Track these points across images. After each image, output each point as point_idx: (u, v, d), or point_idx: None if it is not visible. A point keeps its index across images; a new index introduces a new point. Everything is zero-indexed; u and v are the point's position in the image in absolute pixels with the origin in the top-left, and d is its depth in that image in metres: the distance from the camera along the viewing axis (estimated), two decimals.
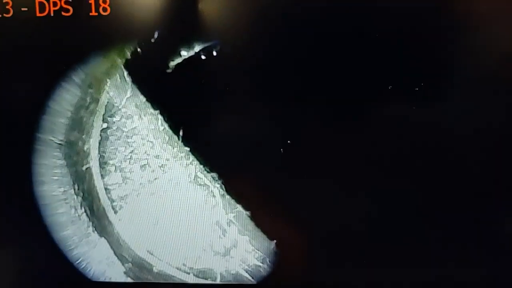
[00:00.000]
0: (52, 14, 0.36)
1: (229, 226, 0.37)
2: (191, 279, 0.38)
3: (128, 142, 0.38)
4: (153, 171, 0.38)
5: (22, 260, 0.40)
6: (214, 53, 0.35)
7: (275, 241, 0.37)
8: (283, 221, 0.37)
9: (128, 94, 0.37)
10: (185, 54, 0.36)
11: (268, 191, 0.37)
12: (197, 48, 0.36)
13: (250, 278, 0.38)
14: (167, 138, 0.37)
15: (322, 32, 0.35)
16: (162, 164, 0.38)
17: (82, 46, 0.36)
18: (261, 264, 0.37)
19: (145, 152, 0.38)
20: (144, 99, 0.37)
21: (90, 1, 0.36)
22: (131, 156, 0.38)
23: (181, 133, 0.37)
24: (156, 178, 0.38)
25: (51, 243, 0.38)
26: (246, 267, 0.38)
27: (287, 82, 0.35)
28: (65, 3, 0.36)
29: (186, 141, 0.37)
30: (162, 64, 0.36)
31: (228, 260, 0.38)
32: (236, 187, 0.37)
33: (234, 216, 0.37)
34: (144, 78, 0.37)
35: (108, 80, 0.37)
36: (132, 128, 0.38)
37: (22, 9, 0.36)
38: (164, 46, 0.36)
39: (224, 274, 0.38)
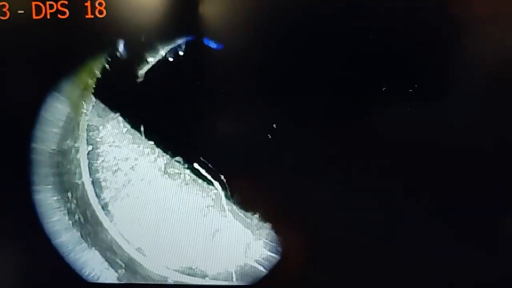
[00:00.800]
0: (48, 17, 0.36)
1: (209, 210, 0.37)
2: (182, 278, 0.38)
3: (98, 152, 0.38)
4: (126, 174, 0.38)
5: (21, 262, 0.40)
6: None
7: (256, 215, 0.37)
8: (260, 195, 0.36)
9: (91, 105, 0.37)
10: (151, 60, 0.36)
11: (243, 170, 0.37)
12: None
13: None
14: (131, 138, 0.37)
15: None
16: (132, 166, 0.37)
17: (78, 49, 0.36)
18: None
19: (114, 158, 0.38)
20: (103, 106, 0.37)
21: (86, 4, 0.36)
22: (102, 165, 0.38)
23: (142, 128, 0.37)
24: (129, 180, 0.38)
25: (49, 247, 0.38)
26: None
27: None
28: (62, 5, 0.36)
29: (148, 136, 0.37)
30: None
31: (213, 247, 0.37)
32: (206, 169, 0.37)
33: (212, 199, 0.37)
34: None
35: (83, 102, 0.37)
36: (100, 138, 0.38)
37: (19, 11, 0.36)
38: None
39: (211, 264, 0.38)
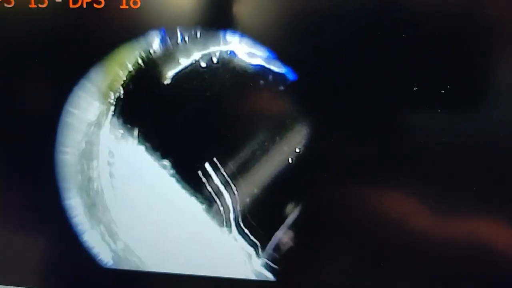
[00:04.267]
0: (84, 6, 0.37)
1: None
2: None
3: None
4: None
5: (42, 247, 0.41)
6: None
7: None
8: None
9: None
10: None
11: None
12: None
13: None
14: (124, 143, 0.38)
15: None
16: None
17: (111, 38, 0.37)
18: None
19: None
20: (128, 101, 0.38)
21: None
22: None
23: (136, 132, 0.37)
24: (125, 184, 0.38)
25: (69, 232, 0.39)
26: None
27: None
28: None
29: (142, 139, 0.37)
30: None
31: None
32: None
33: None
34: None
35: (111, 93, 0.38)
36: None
37: (56, 0, 0.37)
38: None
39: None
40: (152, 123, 0.37)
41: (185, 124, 0.37)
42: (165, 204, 0.38)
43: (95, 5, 0.36)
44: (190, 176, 0.37)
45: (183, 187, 0.37)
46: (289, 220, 0.36)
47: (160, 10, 0.36)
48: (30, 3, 0.37)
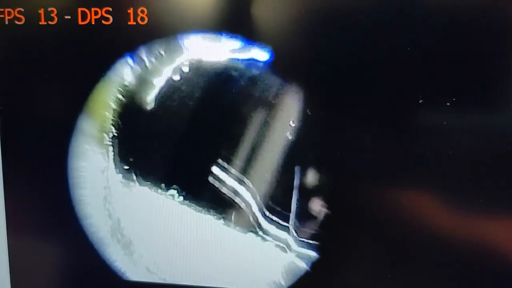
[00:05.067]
0: (93, 23, 0.37)
1: None
2: None
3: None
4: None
5: (60, 257, 0.42)
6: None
7: None
8: None
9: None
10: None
11: None
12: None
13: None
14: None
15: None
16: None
17: (119, 53, 0.37)
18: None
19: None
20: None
21: (129, 11, 0.37)
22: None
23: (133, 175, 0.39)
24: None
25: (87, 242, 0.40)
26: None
27: None
28: (106, 12, 0.37)
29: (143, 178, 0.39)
30: None
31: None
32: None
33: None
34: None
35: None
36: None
37: (66, 17, 0.38)
38: None
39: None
40: (148, 156, 0.38)
41: (180, 142, 0.38)
42: (184, 231, 0.39)
43: (103, 22, 0.37)
44: (201, 191, 0.38)
45: (197, 209, 0.38)
46: (310, 189, 0.37)
47: (167, 25, 0.37)
48: (40, 20, 0.38)
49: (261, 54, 0.36)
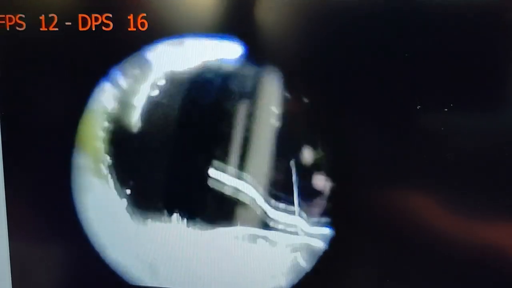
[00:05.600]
0: (93, 29, 0.38)
1: None
2: None
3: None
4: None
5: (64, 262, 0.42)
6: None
7: None
8: None
9: None
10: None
11: None
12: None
13: None
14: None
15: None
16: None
17: (119, 59, 0.38)
18: None
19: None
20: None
21: (129, 17, 0.37)
22: None
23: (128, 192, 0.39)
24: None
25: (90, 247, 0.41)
26: None
27: None
28: (106, 18, 0.37)
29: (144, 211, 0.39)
30: None
31: None
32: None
33: None
34: None
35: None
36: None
37: (66, 23, 0.38)
38: None
39: None
40: (147, 175, 0.39)
41: (174, 152, 0.38)
42: (193, 252, 0.39)
43: (103, 28, 0.38)
44: (203, 203, 0.38)
45: (202, 226, 0.39)
46: (309, 167, 0.37)
47: (168, 30, 0.37)
48: (41, 26, 0.38)
49: (234, 49, 0.36)
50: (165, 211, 0.38)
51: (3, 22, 0.38)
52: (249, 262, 0.38)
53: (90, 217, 0.40)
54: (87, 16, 0.38)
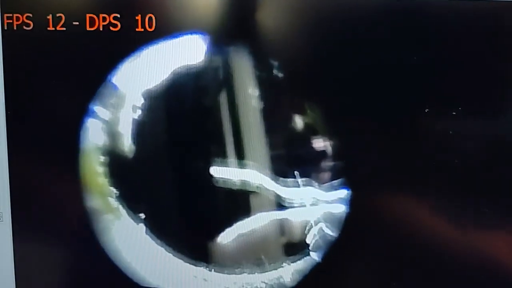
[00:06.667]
0: (101, 29, 0.38)
1: None
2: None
3: None
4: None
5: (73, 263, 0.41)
6: None
7: None
8: None
9: None
10: None
11: None
12: None
13: None
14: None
15: None
16: None
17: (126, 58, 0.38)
18: None
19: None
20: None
21: (137, 18, 0.37)
22: None
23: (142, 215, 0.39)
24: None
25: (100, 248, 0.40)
26: None
27: None
28: (114, 18, 0.37)
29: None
30: None
31: None
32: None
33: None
34: None
35: None
36: None
37: (74, 23, 0.38)
38: None
39: None
40: (157, 201, 0.39)
41: (172, 160, 0.38)
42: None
43: (111, 28, 0.37)
44: (214, 204, 0.38)
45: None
46: (305, 134, 0.37)
47: (175, 31, 0.37)
48: (48, 26, 0.38)
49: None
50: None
51: (11, 21, 0.38)
52: (274, 247, 0.38)
53: (115, 249, 0.40)
54: (94, 16, 0.38)
